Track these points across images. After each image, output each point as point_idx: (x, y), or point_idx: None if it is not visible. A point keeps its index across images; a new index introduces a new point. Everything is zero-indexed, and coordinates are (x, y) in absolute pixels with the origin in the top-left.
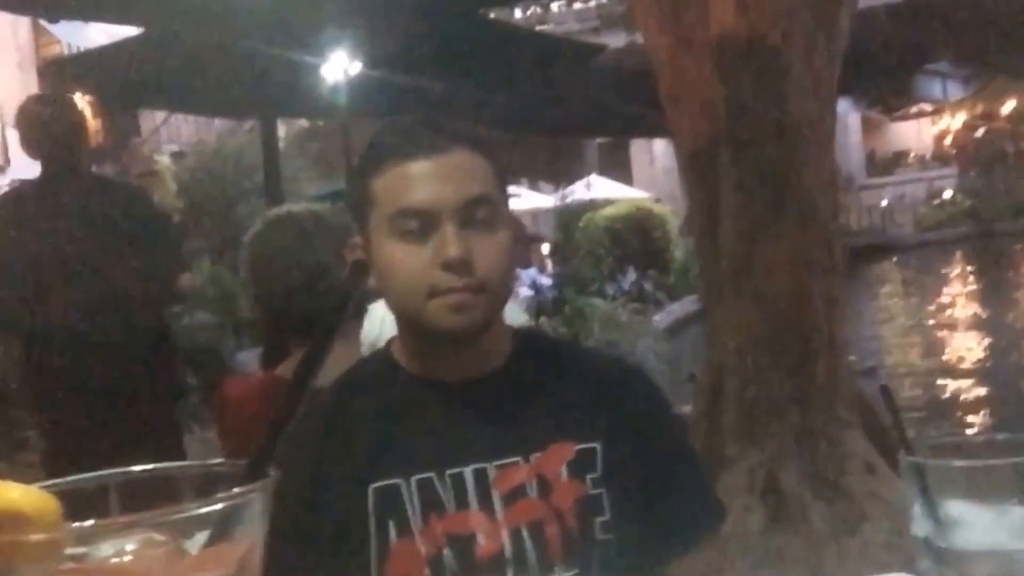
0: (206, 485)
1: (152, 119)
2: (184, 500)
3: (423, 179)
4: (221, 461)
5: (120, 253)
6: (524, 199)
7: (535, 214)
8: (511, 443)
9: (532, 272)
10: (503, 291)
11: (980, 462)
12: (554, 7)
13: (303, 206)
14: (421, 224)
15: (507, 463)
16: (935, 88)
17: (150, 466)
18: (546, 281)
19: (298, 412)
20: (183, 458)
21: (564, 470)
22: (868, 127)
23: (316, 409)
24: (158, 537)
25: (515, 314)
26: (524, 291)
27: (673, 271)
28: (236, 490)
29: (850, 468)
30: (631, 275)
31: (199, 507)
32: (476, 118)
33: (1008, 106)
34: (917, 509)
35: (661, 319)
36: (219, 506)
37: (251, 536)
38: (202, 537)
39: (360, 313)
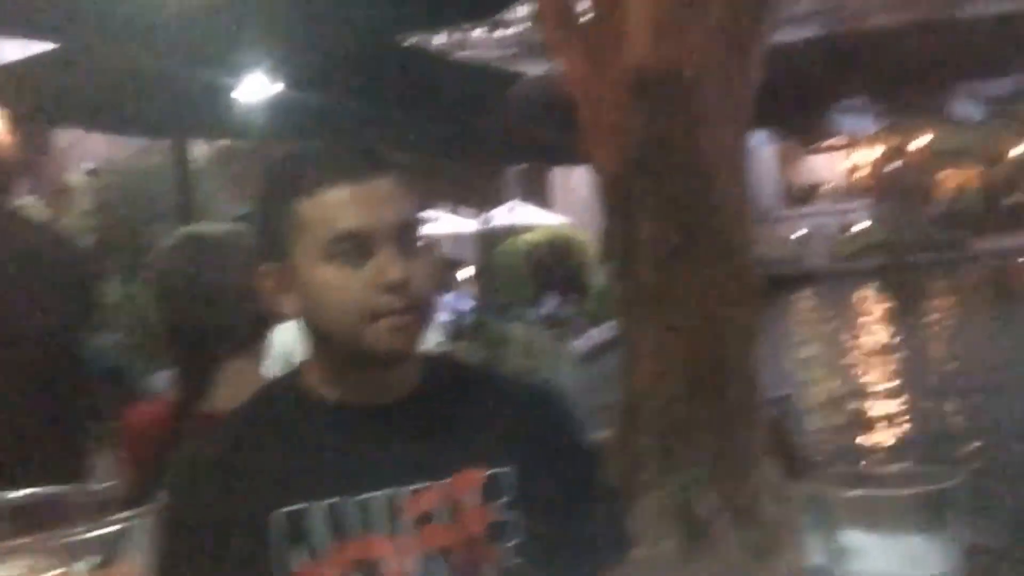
0: (96, 510)
1: (66, 135)
2: (74, 524)
3: (360, 203)
4: (110, 486)
5: (35, 294)
6: (444, 223)
7: (455, 238)
8: (422, 467)
9: (451, 296)
10: (432, 313)
11: (875, 492)
12: (475, 34)
13: (214, 226)
14: (358, 248)
15: (418, 488)
16: (850, 122)
17: (39, 490)
18: (465, 305)
19: (199, 436)
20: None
21: (476, 495)
22: (785, 159)
23: (221, 433)
24: (46, 561)
25: (432, 338)
26: (443, 315)
27: (593, 296)
28: (123, 515)
29: (764, 495)
30: (551, 300)
31: (86, 531)
32: (395, 142)
33: (921, 140)
34: (815, 538)
35: (581, 344)
36: (106, 531)
37: (138, 560)
38: (91, 562)
39: (261, 337)
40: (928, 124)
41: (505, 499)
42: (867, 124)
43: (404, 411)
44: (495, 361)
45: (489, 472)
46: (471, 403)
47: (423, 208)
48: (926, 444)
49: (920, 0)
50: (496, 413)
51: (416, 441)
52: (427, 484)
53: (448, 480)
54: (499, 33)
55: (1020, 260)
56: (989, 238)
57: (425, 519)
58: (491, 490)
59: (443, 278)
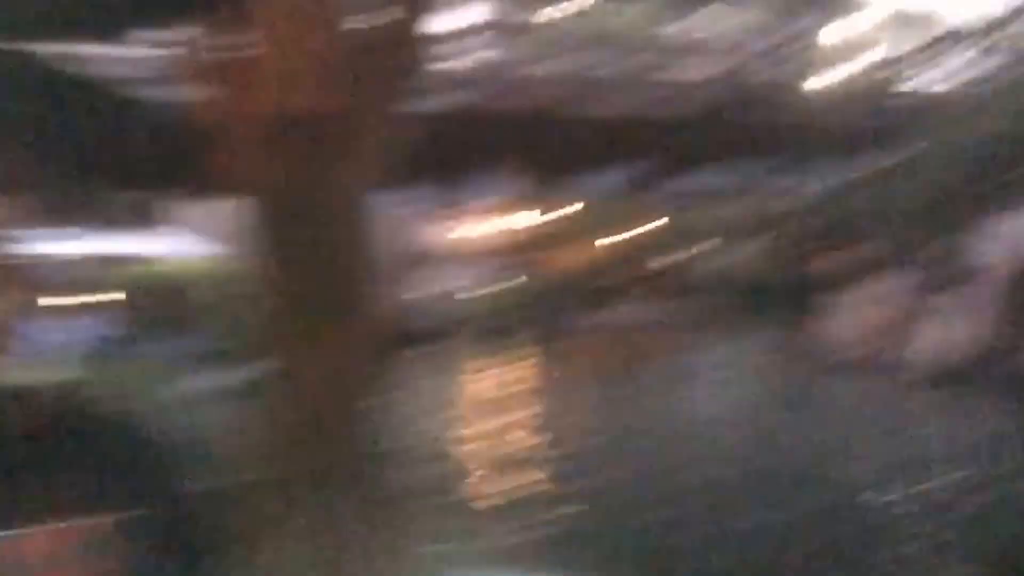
0: None
1: None
2: None
3: None
4: None
5: None
6: (65, 246)
7: (85, 263)
8: (27, 512)
9: (77, 325)
10: (19, 349)
11: (479, 545)
12: (120, 53)
13: None
14: None
15: (23, 533)
16: (494, 189)
17: None
18: (92, 336)
19: None
20: None
21: (88, 541)
22: (427, 219)
23: None
24: None
25: (52, 369)
26: (67, 344)
27: (230, 334)
28: None
29: (380, 555)
30: (185, 335)
31: None
32: (15, 160)
33: (556, 214)
34: None
35: (209, 384)
36: None
37: None
38: None
39: None
40: (565, 199)
41: (119, 545)
42: (509, 193)
43: (7, 451)
44: (119, 398)
45: (103, 517)
46: (87, 443)
47: (42, 231)
48: (540, 498)
49: (564, 86)
50: (113, 455)
51: (20, 484)
52: (33, 529)
53: (58, 525)
54: (145, 54)
55: (637, 330)
56: (612, 310)
57: (32, 566)
58: (105, 536)
59: (56, 307)
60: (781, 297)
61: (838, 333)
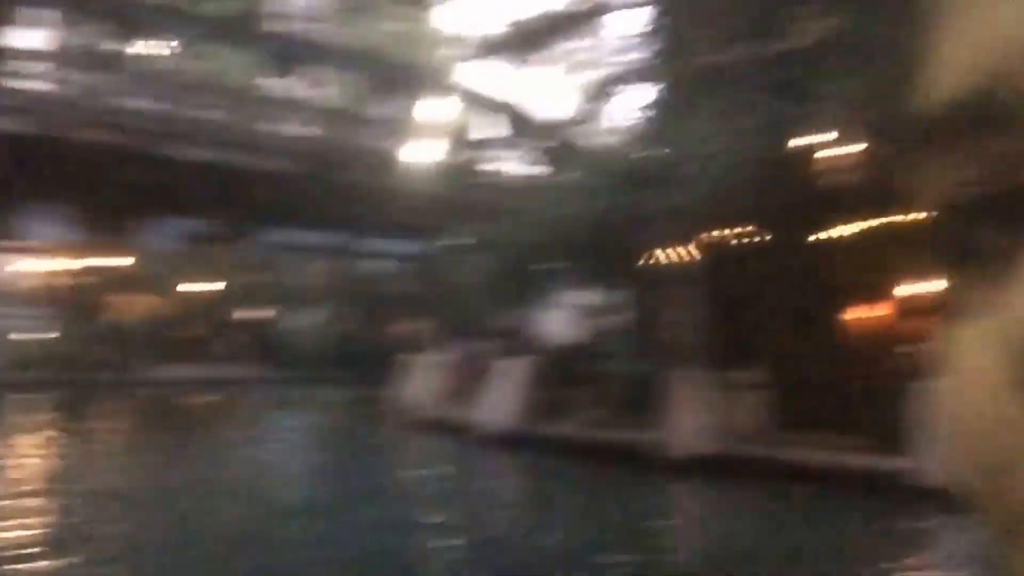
0: None
1: None
2: None
3: None
4: None
5: None
6: None
7: None
8: None
9: None
10: None
11: None
12: None
13: None
14: None
15: None
16: (42, 227)
17: None
18: None
19: None
20: None
21: None
22: None
23: None
24: None
25: None
26: None
27: None
28: None
29: None
30: None
31: None
32: None
33: (109, 261)
34: None
35: None
36: None
37: None
38: None
39: None
40: (120, 247)
41: None
42: (59, 233)
43: None
44: None
45: None
46: None
47: None
48: (69, 542)
49: (149, 124)
50: None
51: None
52: None
53: None
54: None
55: (181, 389)
56: (157, 366)
57: None
58: None
59: None
60: (358, 358)
61: (410, 395)
